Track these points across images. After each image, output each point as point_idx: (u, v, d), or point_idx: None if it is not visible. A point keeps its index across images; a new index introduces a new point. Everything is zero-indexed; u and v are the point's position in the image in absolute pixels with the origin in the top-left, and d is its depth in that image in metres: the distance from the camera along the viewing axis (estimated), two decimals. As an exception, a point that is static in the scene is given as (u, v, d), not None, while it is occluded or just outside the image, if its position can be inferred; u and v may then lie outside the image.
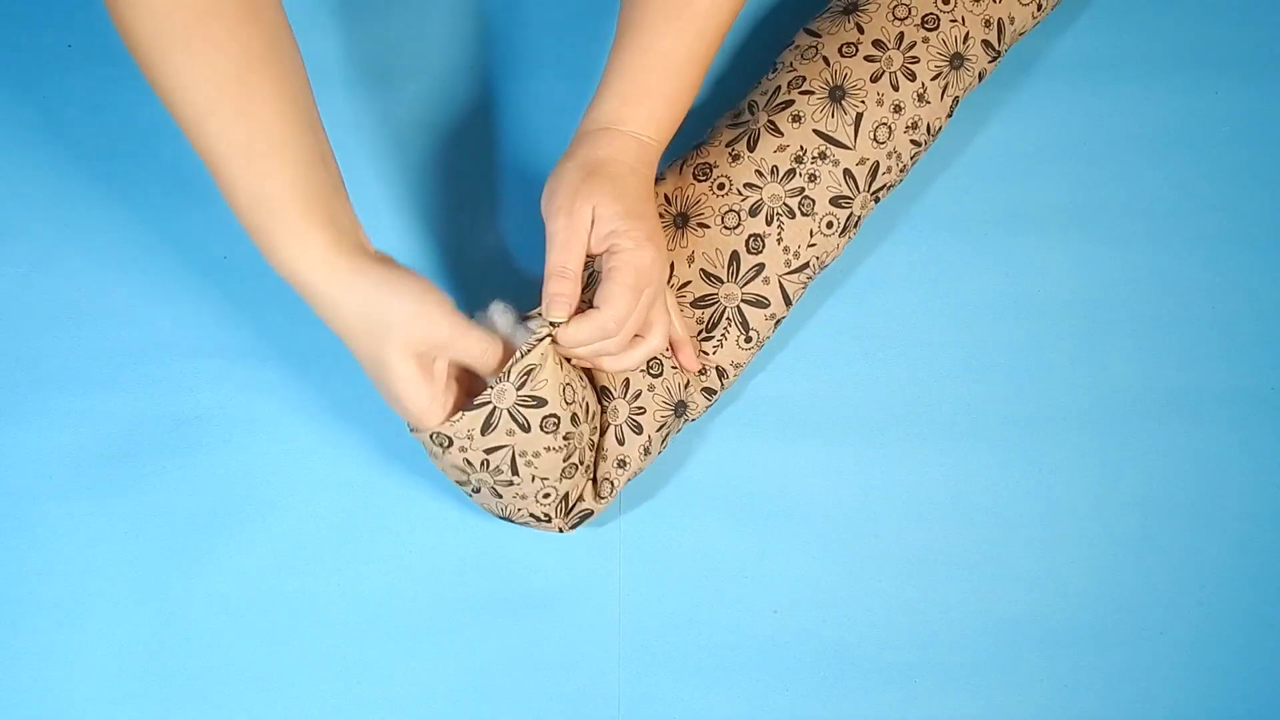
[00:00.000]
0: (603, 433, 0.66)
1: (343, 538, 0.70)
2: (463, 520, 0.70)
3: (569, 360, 0.63)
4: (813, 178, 0.66)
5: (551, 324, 0.60)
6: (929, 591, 0.69)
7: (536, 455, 0.61)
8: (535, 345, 0.59)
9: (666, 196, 0.68)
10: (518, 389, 0.59)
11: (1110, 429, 0.71)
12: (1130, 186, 0.75)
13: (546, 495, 0.63)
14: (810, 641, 0.69)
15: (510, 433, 0.60)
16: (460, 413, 0.59)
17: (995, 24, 0.69)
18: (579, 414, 0.62)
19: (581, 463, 0.64)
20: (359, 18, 0.79)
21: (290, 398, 0.72)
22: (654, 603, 0.69)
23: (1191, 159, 0.76)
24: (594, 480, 0.66)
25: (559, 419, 0.61)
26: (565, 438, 0.61)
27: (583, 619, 0.69)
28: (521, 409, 0.59)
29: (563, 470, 0.63)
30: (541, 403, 0.60)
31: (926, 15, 0.68)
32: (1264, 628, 0.69)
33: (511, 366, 0.59)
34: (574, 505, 0.65)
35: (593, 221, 0.60)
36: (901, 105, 0.67)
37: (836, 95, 0.67)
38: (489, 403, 0.59)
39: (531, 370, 0.59)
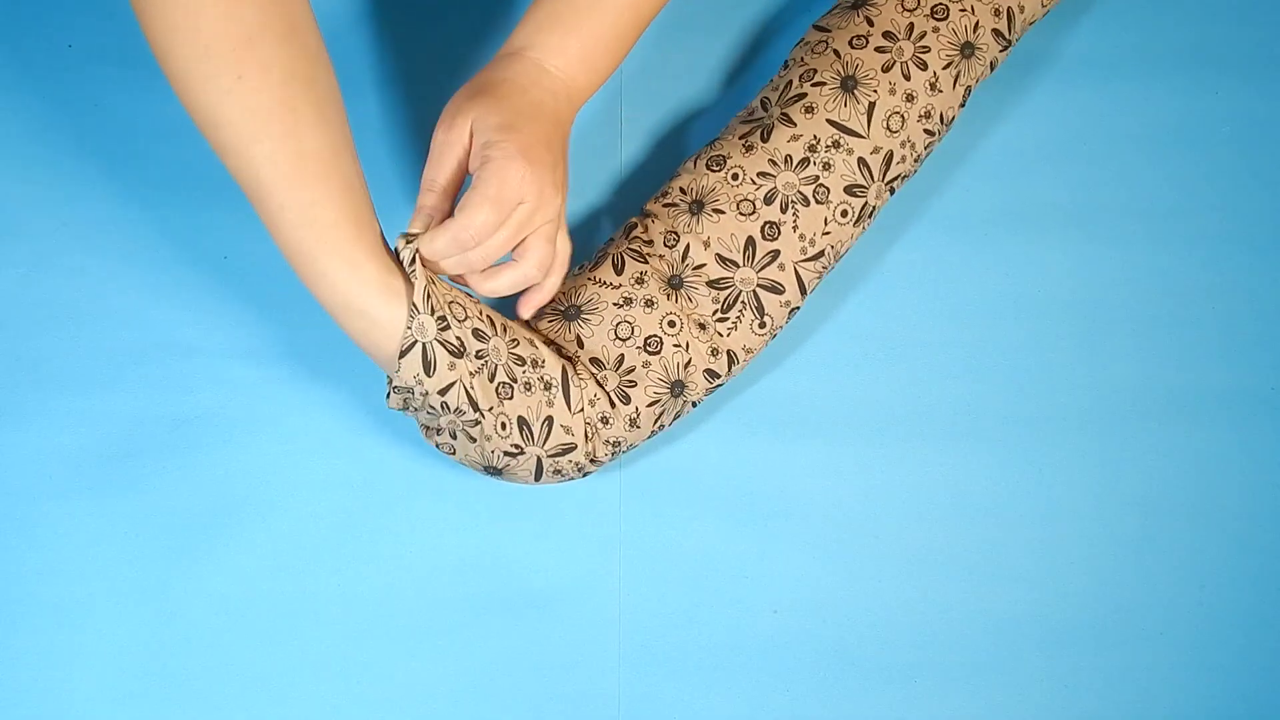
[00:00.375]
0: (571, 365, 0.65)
1: (343, 538, 0.70)
2: (462, 520, 0.70)
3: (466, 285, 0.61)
4: (826, 166, 0.66)
5: (406, 239, 0.58)
6: (929, 591, 0.69)
7: (471, 381, 0.60)
8: (411, 268, 0.57)
9: (681, 188, 0.68)
10: (434, 315, 0.58)
11: (1110, 429, 0.71)
12: (1130, 186, 0.75)
13: (503, 426, 0.62)
14: (810, 641, 0.69)
15: (452, 366, 0.59)
16: (398, 362, 0.58)
17: (1005, 12, 0.69)
18: (482, 328, 0.60)
19: (515, 380, 0.61)
20: (379, 21, 0.79)
21: (291, 398, 0.72)
22: (654, 603, 0.69)
23: (1191, 159, 0.76)
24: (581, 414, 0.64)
25: (461, 339, 0.59)
26: (478, 355, 0.60)
27: (582, 619, 0.69)
28: (444, 335, 0.58)
29: (497, 390, 0.61)
30: (446, 325, 0.58)
31: (935, 6, 0.68)
32: (1264, 628, 0.69)
33: (412, 297, 0.57)
34: (549, 434, 0.63)
35: (471, 136, 0.58)
36: (914, 94, 0.67)
37: (848, 85, 0.67)
38: (414, 341, 0.57)
39: (429, 293, 0.58)
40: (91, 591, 0.69)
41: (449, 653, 0.69)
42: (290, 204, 0.55)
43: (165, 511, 0.71)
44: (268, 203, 0.55)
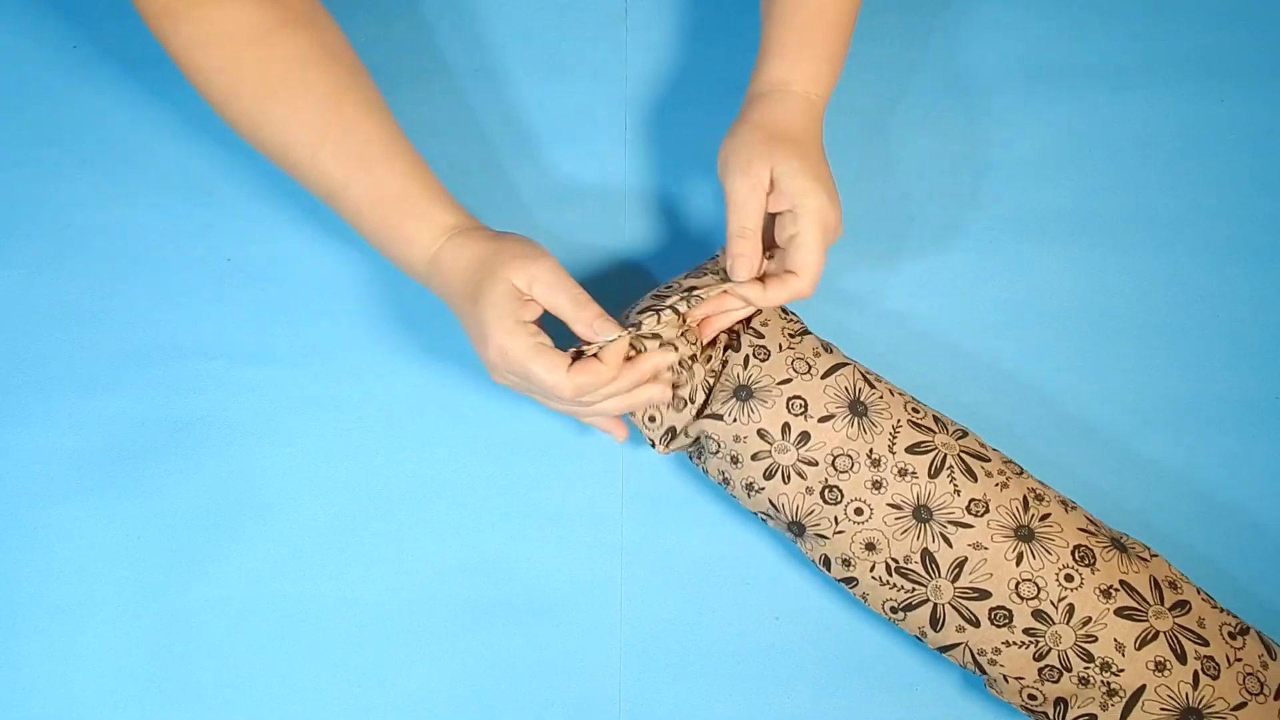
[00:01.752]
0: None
1: (344, 541, 0.70)
2: (464, 524, 0.70)
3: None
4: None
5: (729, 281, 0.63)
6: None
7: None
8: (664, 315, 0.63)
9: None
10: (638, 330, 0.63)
11: (1113, 437, 0.71)
12: (1134, 193, 0.75)
13: (652, 419, 0.65)
14: (812, 648, 0.68)
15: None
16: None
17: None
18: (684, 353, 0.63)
19: (693, 400, 0.64)
20: (364, 20, 0.79)
21: (293, 400, 0.72)
22: (656, 608, 0.69)
23: (1196, 166, 0.75)
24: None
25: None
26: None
27: (584, 624, 0.69)
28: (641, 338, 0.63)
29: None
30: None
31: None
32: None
33: (641, 322, 0.62)
34: (672, 441, 0.65)
35: (771, 182, 0.61)
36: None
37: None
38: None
39: (646, 333, 0.63)
40: (93, 593, 0.69)
41: (449, 657, 0.69)
42: (364, 189, 0.61)
43: (167, 513, 0.71)
44: (345, 196, 0.61)
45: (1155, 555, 0.63)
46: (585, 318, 0.60)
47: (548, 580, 0.70)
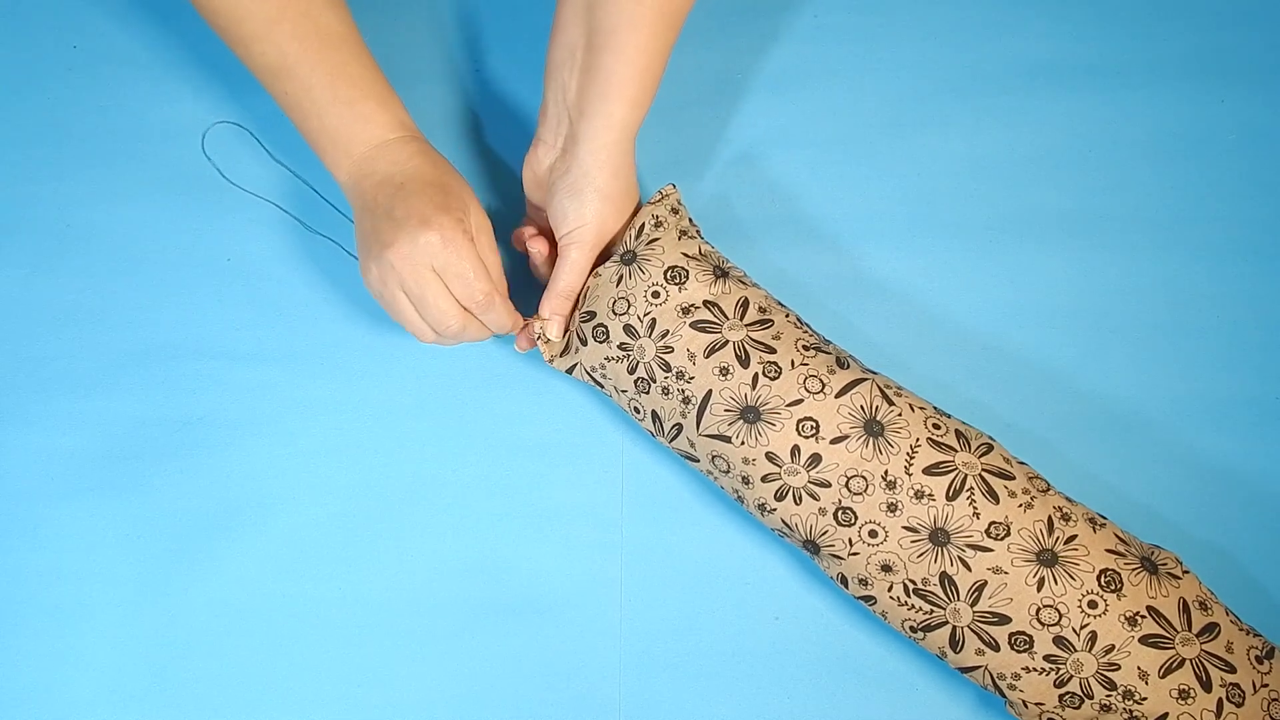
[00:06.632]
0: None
1: (344, 541, 0.70)
2: (464, 524, 0.70)
3: (646, 279, 0.64)
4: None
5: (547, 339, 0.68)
6: (931, 599, 0.69)
7: (604, 365, 0.65)
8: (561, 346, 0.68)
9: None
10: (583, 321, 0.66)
11: (1114, 438, 0.71)
12: (1134, 194, 0.75)
13: (637, 410, 0.65)
14: (812, 648, 0.68)
15: (575, 349, 0.66)
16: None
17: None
18: (634, 326, 0.64)
19: (659, 385, 0.64)
20: (365, 18, 0.79)
21: (293, 400, 0.72)
22: (655, 608, 0.69)
23: (1196, 166, 0.75)
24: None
25: (607, 329, 0.64)
26: (621, 347, 0.64)
27: (584, 624, 0.69)
28: (583, 325, 0.66)
29: (635, 384, 0.64)
30: (591, 315, 0.65)
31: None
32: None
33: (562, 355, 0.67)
34: (674, 437, 0.65)
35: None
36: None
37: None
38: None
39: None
40: (92, 593, 0.69)
41: (449, 657, 0.69)
42: (321, 66, 0.62)
43: (166, 513, 0.71)
44: (297, 70, 0.62)
45: (1187, 573, 0.61)
46: (501, 290, 0.65)
47: (548, 580, 0.70)
